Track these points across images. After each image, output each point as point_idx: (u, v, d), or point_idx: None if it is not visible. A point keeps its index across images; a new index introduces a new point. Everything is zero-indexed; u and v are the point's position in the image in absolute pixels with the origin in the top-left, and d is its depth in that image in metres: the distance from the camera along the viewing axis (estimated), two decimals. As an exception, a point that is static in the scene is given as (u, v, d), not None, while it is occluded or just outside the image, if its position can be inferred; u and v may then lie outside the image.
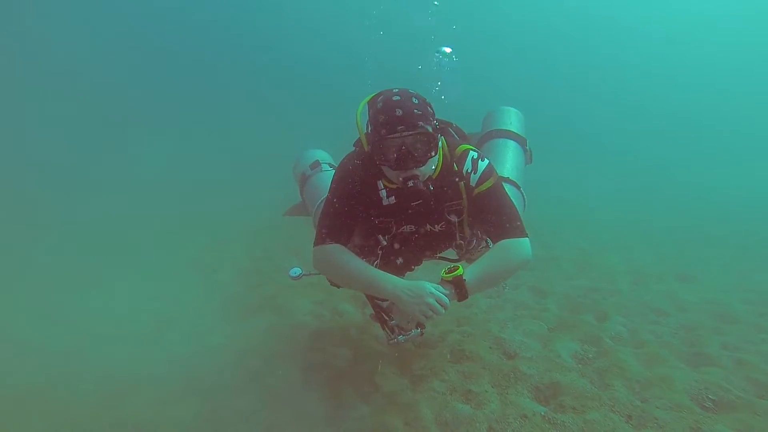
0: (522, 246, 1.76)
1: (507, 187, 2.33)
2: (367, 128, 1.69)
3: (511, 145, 2.67)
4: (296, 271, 2.14)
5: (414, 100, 1.63)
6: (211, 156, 11.46)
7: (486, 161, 1.85)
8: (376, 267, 1.93)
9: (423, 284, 1.64)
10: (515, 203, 2.22)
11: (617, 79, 22.41)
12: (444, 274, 1.67)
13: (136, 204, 6.76)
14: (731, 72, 21.20)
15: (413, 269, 2.14)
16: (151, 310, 3.28)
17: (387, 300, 1.86)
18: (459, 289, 1.64)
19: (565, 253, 4.76)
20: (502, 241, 1.76)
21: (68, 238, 5.07)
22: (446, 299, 1.62)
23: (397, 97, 1.61)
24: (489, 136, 2.73)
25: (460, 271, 1.66)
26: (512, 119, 2.80)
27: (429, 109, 1.67)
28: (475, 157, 1.83)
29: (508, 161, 2.57)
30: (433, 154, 1.65)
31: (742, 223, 6.69)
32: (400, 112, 1.57)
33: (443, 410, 1.94)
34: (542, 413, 1.89)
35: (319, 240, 1.82)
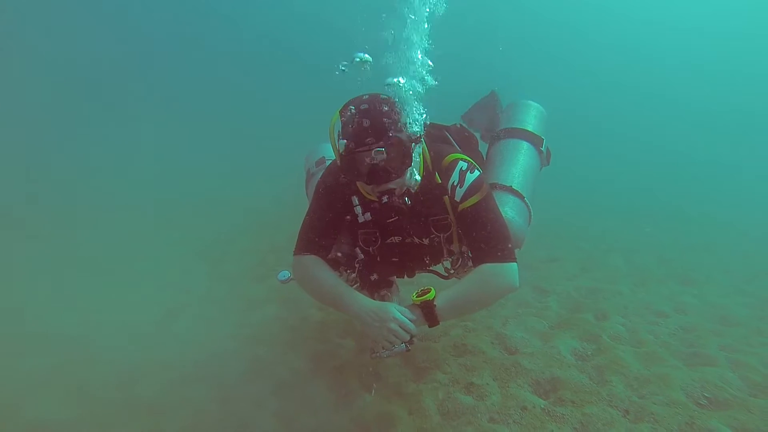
0: (506, 272, 1.60)
1: (510, 199, 2.15)
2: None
3: (524, 147, 2.42)
4: (285, 274, 2.13)
5: (384, 107, 1.47)
6: (218, 148, 11.55)
7: (476, 173, 1.68)
8: (354, 279, 1.89)
9: (388, 307, 1.55)
10: (516, 217, 2.07)
11: (621, 81, 22.30)
12: (414, 297, 1.57)
13: (142, 195, 6.85)
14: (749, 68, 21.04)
15: (390, 287, 1.99)
16: (159, 299, 3.36)
17: None
18: (427, 315, 1.55)
19: (567, 254, 4.80)
20: (483, 265, 1.61)
21: (80, 227, 5.16)
22: (411, 325, 1.53)
23: (365, 106, 1.47)
24: (500, 136, 2.51)
25: (431, 295, 1.55)
26: (529, 116, 2.54)
27: (401, 115, 1.52)
28: (463, 168, 1.67)
29: (516, 167, 2.32)
30: (408, 165, 1.51)
31: (745, 227, 6.71)
32: (368, 123, 1.43)
33: (445, 400, 2.00)
34: (542, 406, 1.94)
35: (297, 250, 1.79)
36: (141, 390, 2.21)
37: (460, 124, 2.31)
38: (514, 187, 2.20)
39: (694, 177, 11.92)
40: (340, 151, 1.49)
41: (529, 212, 2.22)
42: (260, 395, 2.11)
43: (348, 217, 1.75)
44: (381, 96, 1.53)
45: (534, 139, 2.47)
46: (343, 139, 1.48)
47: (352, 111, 1.48)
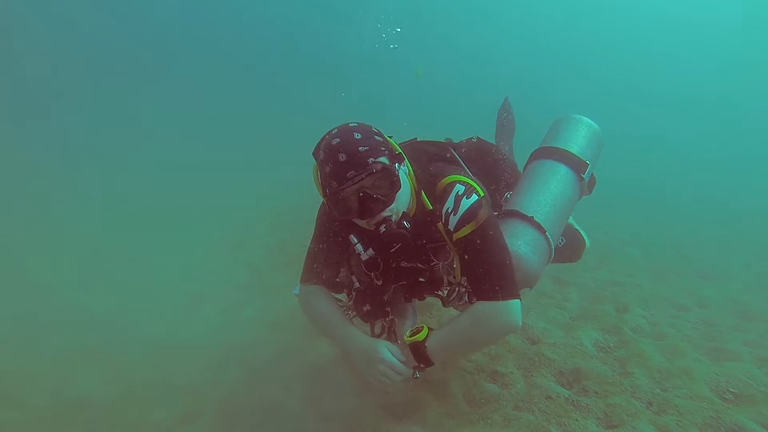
0: (504, 311, 1.45)
1: (528, 232, 1.88)
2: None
3: (561, 171, 2.07)
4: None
5: (356, 135, 1.36)
6: (237, 136, 11.61)
7: (473, 198, 1.50)
8: (350, 306, 1.85)
9: (379, 347, 1.50)
10: (529, 254, 1.82)
11: (634, 73, 21.83)
12: (406, 337, 1.51)
13: (162, 186, 6.94)
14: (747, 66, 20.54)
15: (386, 317, 1.86)
16: (183, 285, 3.44)
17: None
18: (418, 356, 1.49)
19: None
20: (478, 303, 1.48)
21: (106, 218, 5.28)
22: (401, 367, 1.48)
23: (337, 140, 1.36)
24: (538, 155, 2.19)
25: (421, 335, 1.48)
26: (577, 134, 2.19)
27: (377, 138, 1.41)
28: (460, 192, 1.50)
29: (545, 195, 1.99)
30: (398, 188, 1.40)
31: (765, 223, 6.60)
32: (344, 157, 1.32)
33: (472, 388, 2.04)
34: (566, 395, 1.98)
35: (302, 278, 1.78)
36: (175, 372, 2.28)
37: (478, 138, 2.08)
38: (537, 218, 1.90)
39: (712, 171, 11.70)
40: (326, 192, 1.41)
41: (550, 249, 1.93)
42: (290, 378, 2.18)
43: (348, 252, 1.70)
44: (350, 124, 1.43)
45: (576, 164, 2.09)
46: (324, 180, 1.39)
47: (326, 148, 1.37)
